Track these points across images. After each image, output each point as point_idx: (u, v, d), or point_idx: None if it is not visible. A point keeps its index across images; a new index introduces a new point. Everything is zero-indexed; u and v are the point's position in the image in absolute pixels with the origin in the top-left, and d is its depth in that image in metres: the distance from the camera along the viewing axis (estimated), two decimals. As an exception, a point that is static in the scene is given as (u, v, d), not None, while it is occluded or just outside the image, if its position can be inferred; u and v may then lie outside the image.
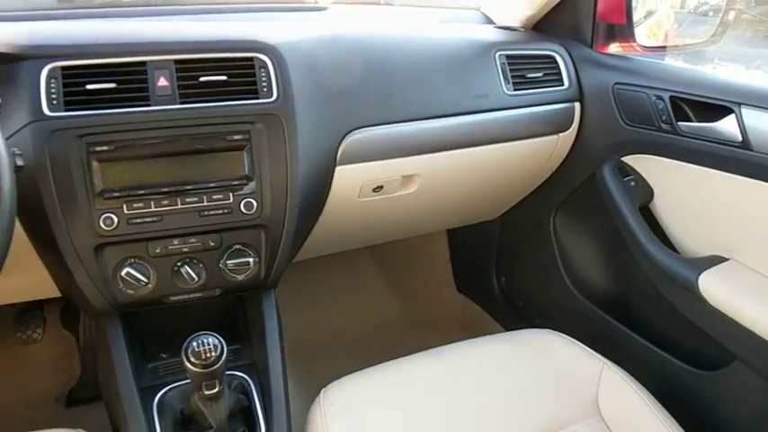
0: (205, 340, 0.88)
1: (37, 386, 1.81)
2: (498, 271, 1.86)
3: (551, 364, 1.15)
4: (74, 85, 0.97)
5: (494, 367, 1.14)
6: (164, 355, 1.15)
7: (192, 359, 0.87)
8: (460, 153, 1.28)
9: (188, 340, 0.88)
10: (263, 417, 1.04)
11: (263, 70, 1.06)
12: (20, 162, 0.83)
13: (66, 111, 0.96)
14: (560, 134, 1.42)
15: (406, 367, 1.14)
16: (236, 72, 1.04)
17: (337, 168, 1.16)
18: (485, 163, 1.36)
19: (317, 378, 1.18)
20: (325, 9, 1.47)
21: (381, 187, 1.25)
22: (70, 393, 1.78)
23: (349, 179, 1.19)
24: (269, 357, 1.10)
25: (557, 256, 1.61)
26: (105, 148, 0.97)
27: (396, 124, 1.20)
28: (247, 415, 1.04)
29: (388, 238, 1.74)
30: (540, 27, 1.53)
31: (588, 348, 1.18)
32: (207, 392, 0.92)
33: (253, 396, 1.06)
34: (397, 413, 1.04)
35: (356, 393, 1.07)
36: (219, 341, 0.89)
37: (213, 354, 0.87)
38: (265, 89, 1.05)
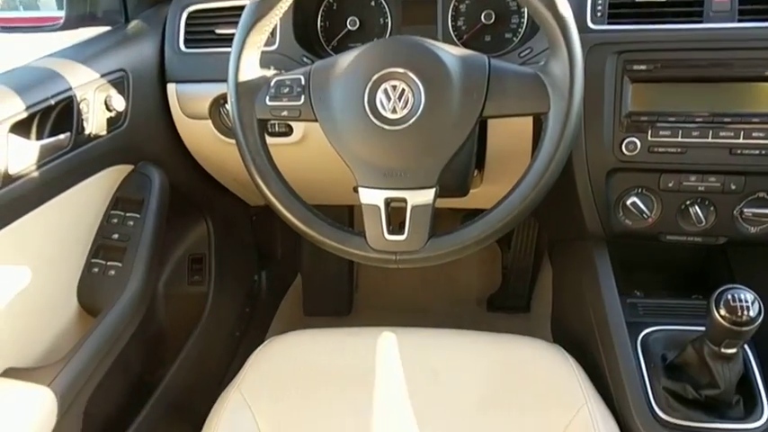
0: (742, 295, 0.77)
1: (462, 286, 1.96)
2: None
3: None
4: None
5: None
6: (638, 293, 1.09)
7: (724, 312, 0.77)
8: None
9: (720, 290, 0.79)
10: (766, 392, 0.91)
11: None
12: None
13: (610, 24, 0.91)
14: None
15: None
16: None
17: None
18: None
19: None
20: None
21: None
22: (490, 299, 1.89)
23: None
24: None
25: None
26: (643, 67, 0.90)
27: None
28: (741, 384, 0.92)
29: None
30: None
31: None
32: (724, 350, 0.82)
33: (751, 364, 0.93)
34: None
35: None
36: (757, 299, 0.78)
37: (749, 313, 0.77)
38: None
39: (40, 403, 0.81)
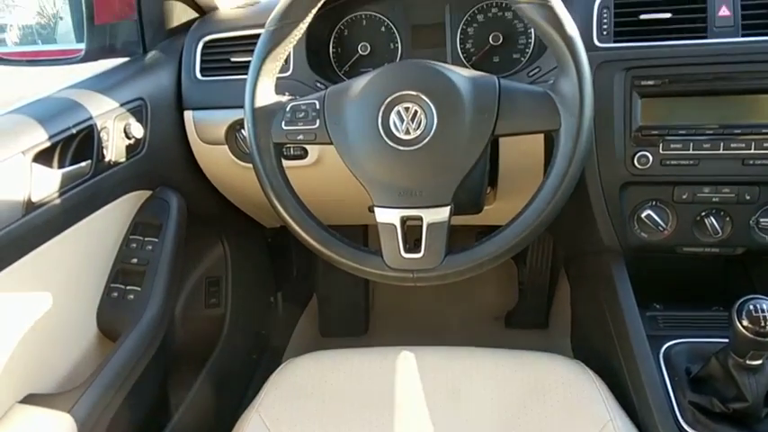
0: (765, 305, 0.76)
1: (479, 303, 1.96)
2: None
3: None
4: (625, 15, 0.92)
5: None
6: (657, 306, 1.08)
7: (746, 323, 0.76)
8: None
9: (741, 301, 0.78)
10: None
11: None
12: None
13: (616, 42, 0.92)
14: None
15: None
16: None
17: None
18: None
19: None
20: None
21: None
22: (508, 316, 1.88)
23: None
24: None
25: None
26: (651, 82, 0.91)
27: None
28: None
29: None
30: None
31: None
32: (750, 362, 0.81)
33: None
34: None
35: None
36: None
37: None
38: None
39: (61, 430, 0.81)
